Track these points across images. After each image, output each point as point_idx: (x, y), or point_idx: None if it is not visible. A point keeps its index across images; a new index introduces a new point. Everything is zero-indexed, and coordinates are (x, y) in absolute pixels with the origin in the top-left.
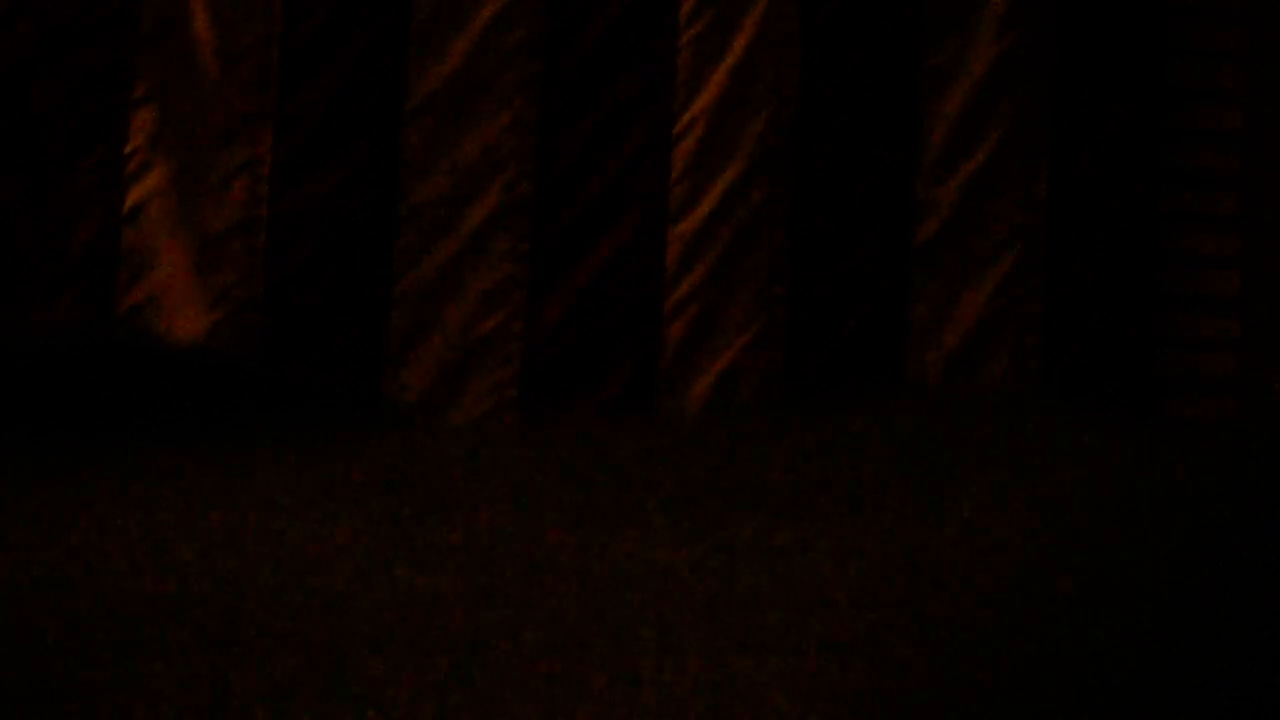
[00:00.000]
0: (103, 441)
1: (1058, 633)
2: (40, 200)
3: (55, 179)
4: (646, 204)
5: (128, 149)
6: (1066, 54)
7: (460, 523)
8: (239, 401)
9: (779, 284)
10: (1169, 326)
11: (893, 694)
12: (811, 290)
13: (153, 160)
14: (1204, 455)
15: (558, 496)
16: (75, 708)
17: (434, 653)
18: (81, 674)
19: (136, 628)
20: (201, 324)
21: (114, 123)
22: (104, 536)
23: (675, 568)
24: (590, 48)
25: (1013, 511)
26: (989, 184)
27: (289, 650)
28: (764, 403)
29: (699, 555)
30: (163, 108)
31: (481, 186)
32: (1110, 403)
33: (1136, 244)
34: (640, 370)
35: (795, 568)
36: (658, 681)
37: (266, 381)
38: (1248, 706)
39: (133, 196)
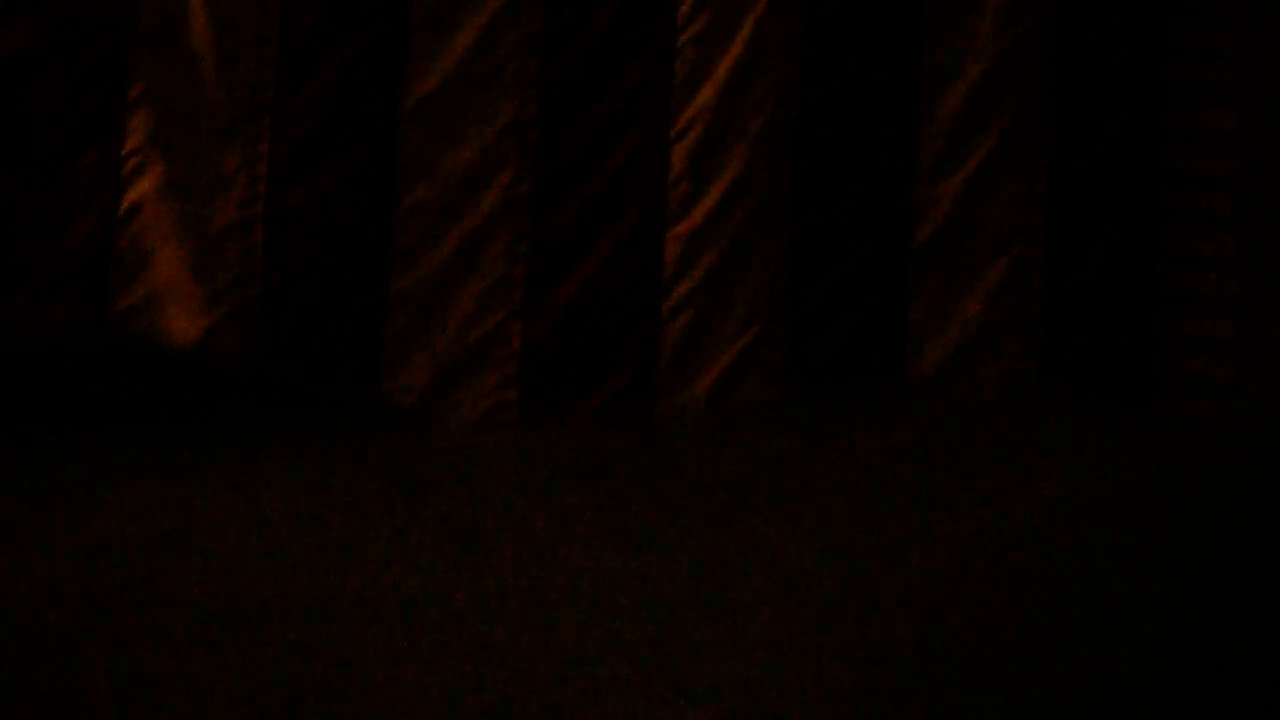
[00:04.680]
0: (99, 442)
1: (1056, 632)
2: (37, 200)
3: (52, 179)
4: (645, 204)
5: (124, 149)
6: (1065, 54)
7: (459, 523)
8: (236, 402)
9: (778, 284)
10: (1167, 327)
11: (893, 694)
12: (811, 290)
13: (149, 160)
14: (1201, 455)
15: (556, 497)
16: (75, 707)
17: (432, 653)
18: (81, 674)
19: (134, 628)
20: (198, 324)
21: (111, 123)
22: (101, 537)
23: (675, 568)
24: (589, 47)
25: (1011, 511)
26: (988, 184)
27: (287, 649)
28: (763, 403)
29: (698, 555)
30: (159, 108)
31: (480, 186)
32: (1108, 402)
33: (1135, 244)
34: (639, 370)
35: (795, 567)
36: (658, 682)
37: (264, 382)
38: (1246, 706)
39: (129, 197)
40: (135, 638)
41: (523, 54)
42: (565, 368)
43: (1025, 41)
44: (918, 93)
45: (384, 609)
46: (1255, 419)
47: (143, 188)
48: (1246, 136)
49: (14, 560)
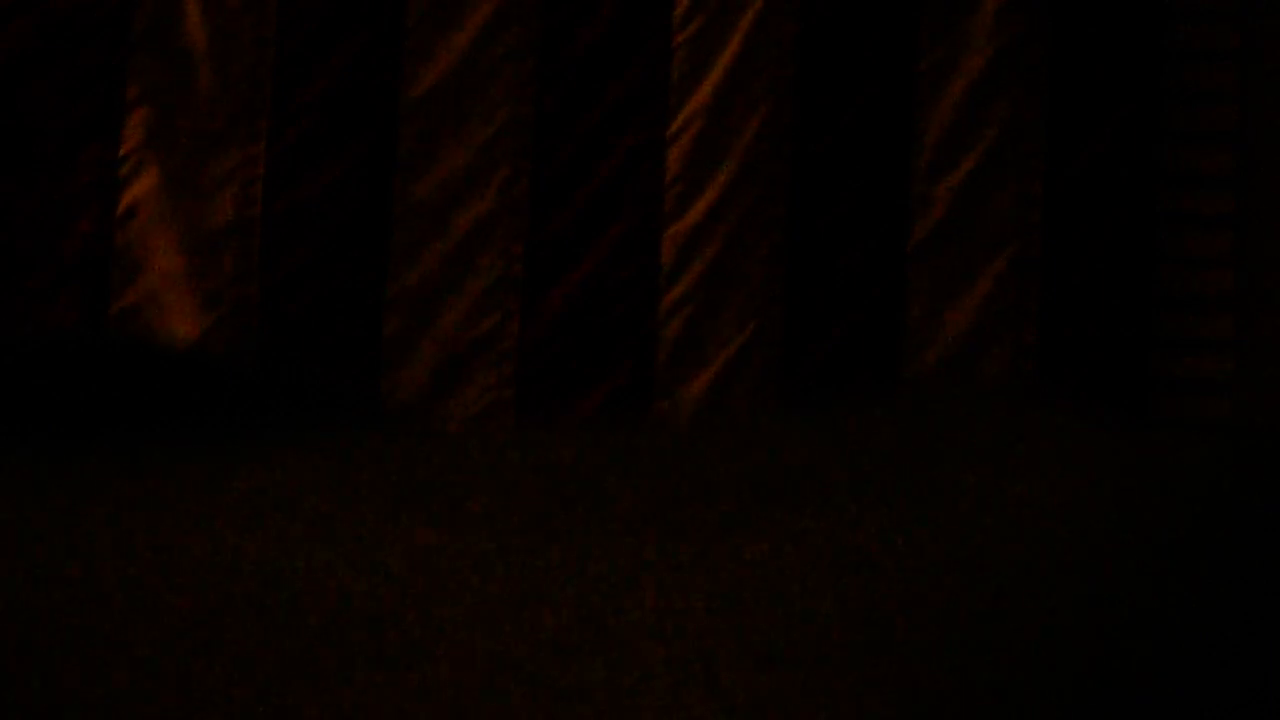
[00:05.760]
0: (95, 443)
1: (1055, 632)
2: (34, 201)
3: (49, 180)
4: (642, 205)
5: (122, 150)
6: (1062, 54)
7: (456, 524)
8: (233, 403)
9: (775, 284)
10: (1164, 326)
11: (891, 694)
12: (807, 290)
13: (147, 161)
14: (1198, 455)
15: (553, 497)
16: (73, 708)
17: (429, 654)
18: (79, 674)
19: (133, 627)
20: (196, 325)
21: (108, 124)
22: (98, 538)
23: (671, 568)
24: (585, 48)
25: (1008, 510)
26: (985, 184)
27: (284, 650)
28: (760, 403)
29: (695, 556)
30: (157, 109)
31: (476, 187)
32: (1105, 402)
33: (1132, 244)
34: (636, 371)
35: (792, 568)
36: (655, 684)
37: (261, 383)
38: (1246, 706)
39: (127, 198)
40: (135, 637)
41: (519, 54)
42: (562, 367)
43: (1021, 41)
44: (914, 93)
45: (382, 607)
46: (1253, 419)
47: (141, 188)
48: (1245, 136)
49: (13, 561)
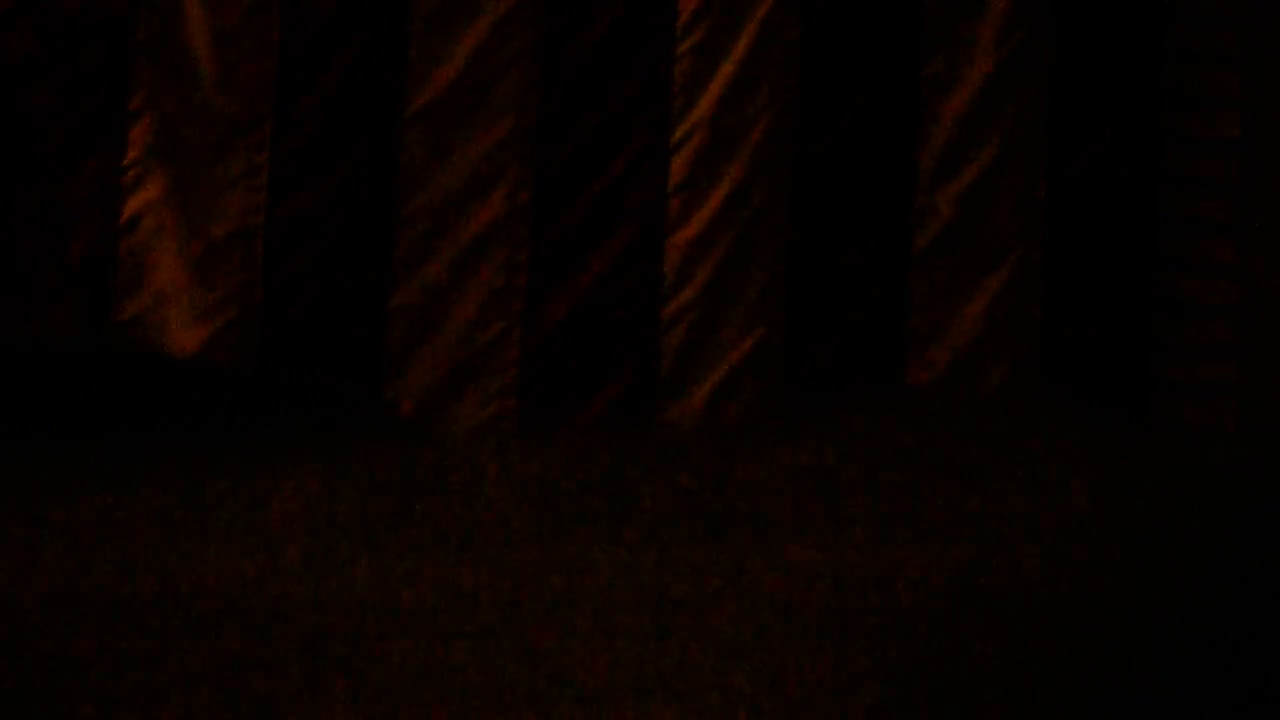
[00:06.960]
0: (99, 451)
1: (1059, 635)
2: (38, 209)
3: (53, 188)
4: (645, 212)
5: (126, 159)
6: (1065, 60)
7: (458, 531)
8: (237, 411)
9: (778, 292)
10: (1167, 332)
11: (893, 696)
12: (811, 297)
13: (150, 170)
14: (1201, 460)
15: (556, 505)
16: (73, 709)
17: (431, 659)
18: (80, 676)
19: (131, 631)
20: (199, 333)
21: (111, 132)
22: (101, 544)
23: (675, 575)
24: (588, 55)
25: (1012, 517)
26: (988, 190)
27: (286, 654)
28: (763, 410)
29: (698, 563)
30: (160, 117)
31: (480, 195)
32: (1108, 408)
33: (1135, 250)
34: (639, 378)
35: (795, 574)
36: (657, 689)
37: (264, 391)
38: (1247, 707)
39: (131, 206)
40: (134, 639)
41: (522, 63)
42: (565, 376)
43: (1025, 47)
44: (918, 100)
45: (384, 616)
46: (1255, 424)
47: (144, 197)
48: (1248, 141)
49: (14, 562)
